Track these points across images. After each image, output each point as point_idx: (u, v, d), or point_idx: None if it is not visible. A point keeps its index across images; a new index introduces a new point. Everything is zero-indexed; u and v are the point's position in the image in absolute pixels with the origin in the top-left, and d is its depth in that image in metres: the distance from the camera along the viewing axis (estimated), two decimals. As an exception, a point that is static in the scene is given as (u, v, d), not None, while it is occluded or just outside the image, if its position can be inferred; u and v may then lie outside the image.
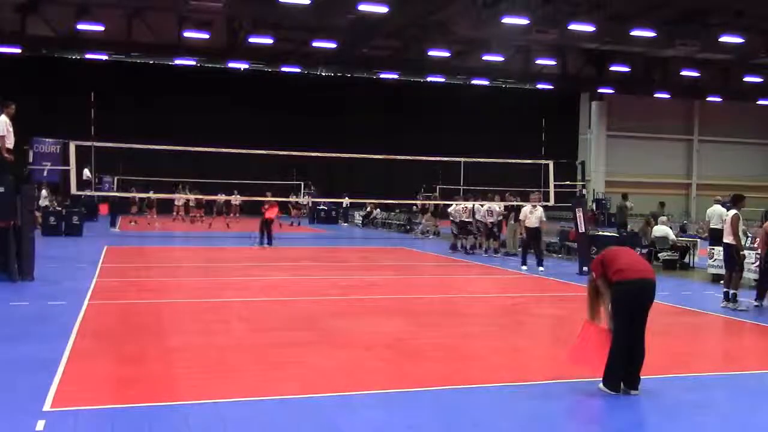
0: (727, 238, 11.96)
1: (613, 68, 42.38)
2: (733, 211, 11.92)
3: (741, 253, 11.98)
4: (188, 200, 32.66)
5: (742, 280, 12.48)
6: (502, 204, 20.76)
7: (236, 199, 30.22)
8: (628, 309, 6.52)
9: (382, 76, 42.69)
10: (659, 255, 17.65)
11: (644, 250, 17.42)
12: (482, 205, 20.84)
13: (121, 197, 29.96)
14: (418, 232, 29.09)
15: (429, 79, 43.45)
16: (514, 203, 20.88)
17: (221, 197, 31.30)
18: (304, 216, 37.25)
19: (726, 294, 11.83)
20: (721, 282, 14.47)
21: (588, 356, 6.70)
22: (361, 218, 35.86)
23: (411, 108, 42.92)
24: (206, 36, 34.98)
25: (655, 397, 6.54)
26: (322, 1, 28.99)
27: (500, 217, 20.58)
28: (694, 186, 50.46)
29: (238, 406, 6.04)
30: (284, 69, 40.79)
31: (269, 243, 21.54)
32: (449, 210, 22.51)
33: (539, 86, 44.73)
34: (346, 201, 34.46)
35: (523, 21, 30.93)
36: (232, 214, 32.27)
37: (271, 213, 21.84)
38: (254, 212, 25.89)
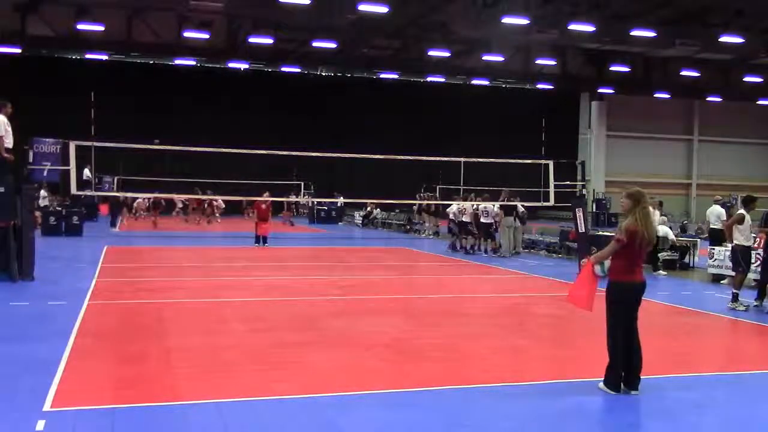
0: (735, 239, 11.94)
1: (613, 68, 42.35)
2: (740, 212, 11.93)
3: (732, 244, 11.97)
4: (211, 201, 32.49)
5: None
6: (498, 204, 20.72)
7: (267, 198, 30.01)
8: (622, 309, 6.61)
9: (382, 76, 42.65)
10: (659, 255, 17.63)
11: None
12: (475, 205, 20.85)
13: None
14: (430, 233, 28.66)
15: (429, 79, 43.42)
16: (513, 203, 20.84)
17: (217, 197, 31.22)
18: (294, 216, 36.88)
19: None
20: (722, 282, 14.52)
21: (582, 295, 6.88)
22: (361, 218, 35.83)
23: (411, 108, 42.87)
24: (206, 36, 34.96)
25: (655, 397, 6.55)
26: (322, 1, 28.98)
27: (496, 218, 20.54)
28: (694, 186, 50.41)
29: (238, 406, 6.04)
30: (284, 69, 40.78)
31: (264, 243, 21.65)
32: (448, 210, 22.49)
33: (539, 86, 44.69)
34: (340, 201, 34.20)
35: (523, 21, 30.94)
36: (246, 214, 32.10)
37: (264, 212, 21.99)
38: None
